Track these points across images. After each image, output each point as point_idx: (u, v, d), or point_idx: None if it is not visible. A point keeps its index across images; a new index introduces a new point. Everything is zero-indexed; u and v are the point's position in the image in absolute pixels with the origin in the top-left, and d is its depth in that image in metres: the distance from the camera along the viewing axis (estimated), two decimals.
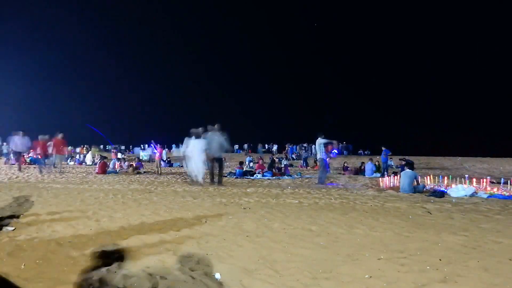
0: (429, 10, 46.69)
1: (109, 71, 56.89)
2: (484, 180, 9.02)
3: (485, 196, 7.71)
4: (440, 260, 3.31)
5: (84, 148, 28.10)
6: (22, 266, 3.03)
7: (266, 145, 35.12)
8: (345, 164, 15.94)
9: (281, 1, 56.69)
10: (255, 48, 58.53)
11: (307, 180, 11.74)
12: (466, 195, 7.75)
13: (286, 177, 12.72)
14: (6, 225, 4.49)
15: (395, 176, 10.19)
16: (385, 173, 13.47)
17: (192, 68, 58.67)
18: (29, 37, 56.48)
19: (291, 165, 19.83)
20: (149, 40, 65.55)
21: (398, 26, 47.75)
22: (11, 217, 5.03)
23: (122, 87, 59.08)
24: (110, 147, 31.29)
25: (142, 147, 29.39)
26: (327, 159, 10.82)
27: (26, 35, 55.02)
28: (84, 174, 13.12)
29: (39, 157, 14.15)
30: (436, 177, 10.30)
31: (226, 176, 12.82)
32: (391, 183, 9.85)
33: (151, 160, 25.10)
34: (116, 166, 15.13)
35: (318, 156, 10.47)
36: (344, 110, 47.57)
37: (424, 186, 8.73)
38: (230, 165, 18.25)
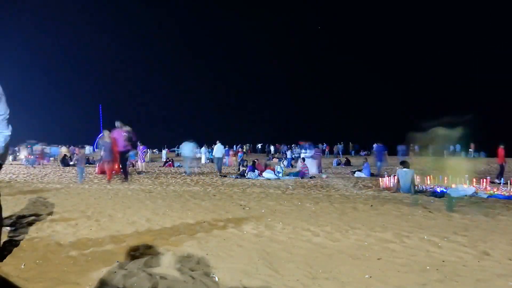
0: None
1: (111, 70, 57.11)
2: (484, 180, 9.01)
3: (485, 196, 7.71)
4: (440, 260, 3.31)
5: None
6: (22, 266, 3.03)
7: (261, 145, 35.31)
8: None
9: (285, 3, 56.88)
10: (258, 51, 58.67)
11: (307, 180, 11.74)
12: (466, 195, 7.74)
13: (286, 177, 12.71)
14: (6, 225, 4.49)
15: (395, 176, 10.17)
16: None
17: (192, 71, 58.89)
18: (32, 36, 56.63)
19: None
20: (153, 41, 65.76)
21: (400, 24, 47.80)
22: (11, 217, 5.03)
23: (123, 87, 59.24)
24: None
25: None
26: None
27: (29, 34, 55.21)
28: (83, 174, 13.11)
29: None
30: (436, 177, 10.29)
31: (226, 176, 12.81)
32: (391, 183, 9.84)
33: (150, 160, 25.17)
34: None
35: None
36: (342, 110, 47.64)
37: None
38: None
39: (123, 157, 10.70)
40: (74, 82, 61.50)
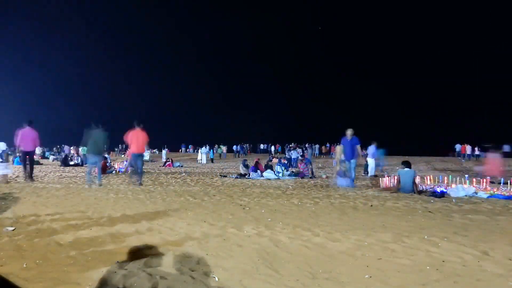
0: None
1: (111, 72, 57.09)
2: (484, 180, 9.02)
3: (485, 196, 7.70)
4: (440, 260, 3.31)
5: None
6: (24, 265, 3.03)
7: (263, 145, 35.36)
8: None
9: (286, 4, 56.87)
10: (258, 51, 58.61)
11: (307, 180, 11.74)
12: (466, 195, 7.74)
13: (287, 177, 12.71)
14: (6, 225, 4.49)
15: (395, 176, 10.18)
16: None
17: (192, 70, 58.86)
18: (33, 38, 56.61)
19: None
20: (153, 42, 65.70)
21: (399, 25, 47.75)
22: (11, 217, 5.03)
23: (123, 87, 59.25)
24: None
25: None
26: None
27: (30, 35, 55.18)
28: (84, 174, 13.11)
29: None
30: (436, 177, 10.30)
31: (226, 177, 12.81)
32: (391, 183, 9.85)
33: (151, 160, 25.17)
34: (117, 166, 15.13)
35: None
36: (342, 111, 47.64)
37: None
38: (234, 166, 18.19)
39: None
40: (74, 82, 61.51)
